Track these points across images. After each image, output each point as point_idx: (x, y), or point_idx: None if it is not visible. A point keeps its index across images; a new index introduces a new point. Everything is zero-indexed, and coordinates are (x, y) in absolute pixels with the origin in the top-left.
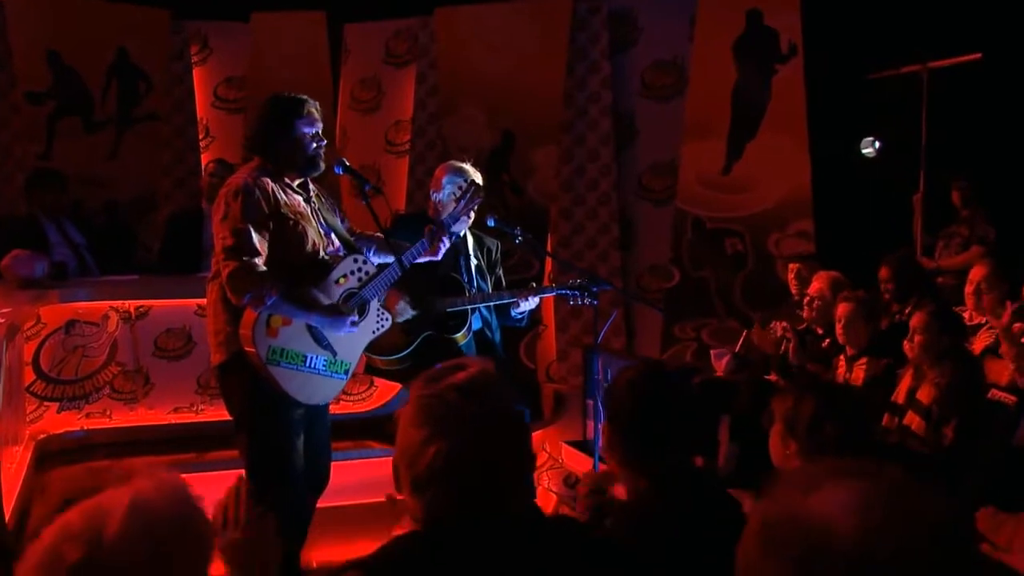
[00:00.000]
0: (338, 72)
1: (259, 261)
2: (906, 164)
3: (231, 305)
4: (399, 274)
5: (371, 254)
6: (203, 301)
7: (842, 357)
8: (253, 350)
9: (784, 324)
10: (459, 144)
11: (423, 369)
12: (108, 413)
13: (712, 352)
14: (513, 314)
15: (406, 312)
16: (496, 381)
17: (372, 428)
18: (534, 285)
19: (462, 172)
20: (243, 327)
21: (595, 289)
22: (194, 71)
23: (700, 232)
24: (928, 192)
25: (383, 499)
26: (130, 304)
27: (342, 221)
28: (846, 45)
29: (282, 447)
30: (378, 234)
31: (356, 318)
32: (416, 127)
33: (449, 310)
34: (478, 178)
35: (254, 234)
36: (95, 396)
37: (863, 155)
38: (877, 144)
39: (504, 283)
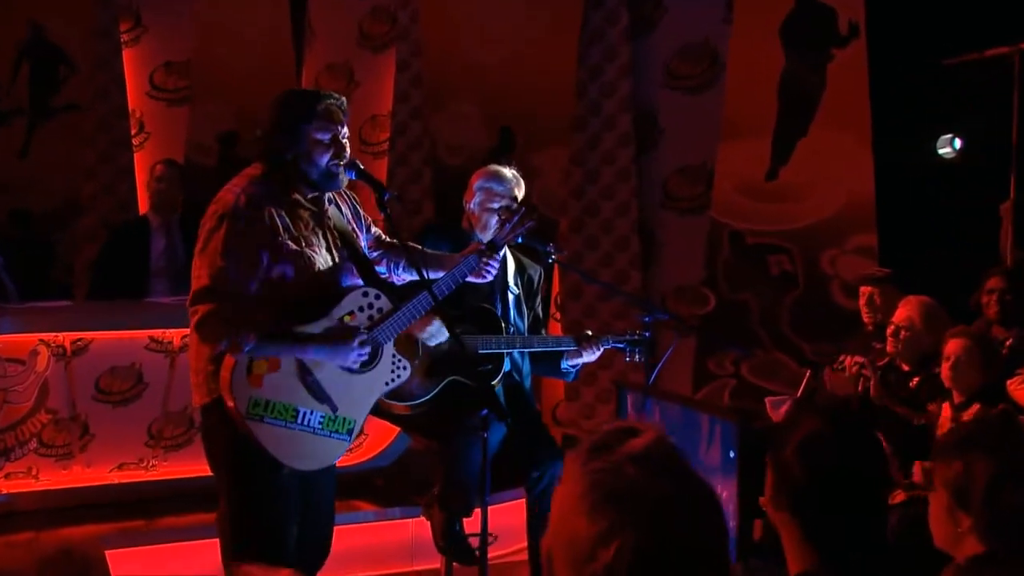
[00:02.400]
0: (301, 57)
1: (239, 302)
2: (992, 166)
3: None
4: (426, 309)
5: (399, 270)
6: (156, 332)
7: (946, 404)
8: (231, 403)
9: (859, 359)
10: (449, 144)
11: (437, 416)
12: (34, 473)
13: (768, 401)
14: (563, 366)
15: (438, 336)
16: (677, 448)
17: (361, 486)
18: (590, 333)
19: (498, 178)
20: (221, 372)
21: (649, 324)
22: (124, 53)
23: (739, 248)
24: (1019, 199)
25: None
26: (65, 337)
27: (367, 231)
28: (919, 24)
29: (268, 519)
30: (412, 244)
31: (365, 337)
32: (396, 123)
33: (482, 351)
34: (520, 188)
35: (235, 271)
36: (18, 452)
37: (940, 156)
38: (957, 143)
39: (543, 322)
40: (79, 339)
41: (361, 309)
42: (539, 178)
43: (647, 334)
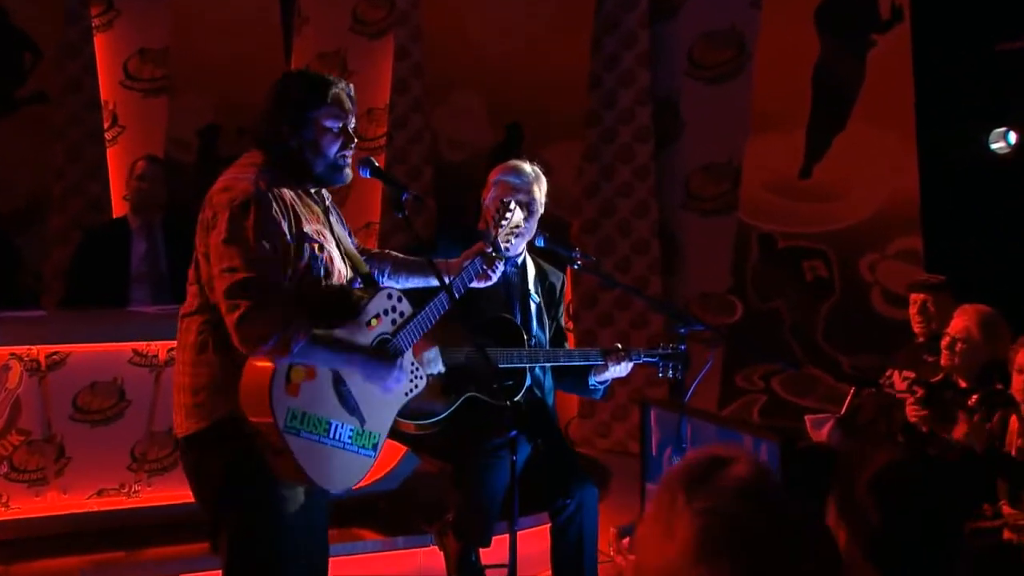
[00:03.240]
0: (291, 44)
1: (284, 295)
2: None
3: (221, 351)
4: (443, 312)
5: (384, 278)
6: (140, 345)
7: (1014, 418)
8: (270, 418)
9: (909, 374)
10: (451, 139)
11: (453, 436)
12: (5, 500)
13: (808, 419)
14: (590, 382)
15: (434, 365)
16: (774, 474)
17: (362, 512)
18: (619, 346)
19: (515, 172)
20: (250, 383)
21: (684, 336)
22: (95, 39)
23: (770, 252)
24: None
25: None
26: (39, 350)
27: (349, 236)
28: (968, 6)
29: (275, 553)
30: (390, 251)
31: (410, 362)
32: (394, 117)
33: (502, 366)
34: (540, 185)
35: (274, 259)
36: None
37: (992, 151)
38: (1011, 136)
39: (565, 335)
40: (55, 353)
41: (386, 312)
42: (549, 176)
43: (683, 347)
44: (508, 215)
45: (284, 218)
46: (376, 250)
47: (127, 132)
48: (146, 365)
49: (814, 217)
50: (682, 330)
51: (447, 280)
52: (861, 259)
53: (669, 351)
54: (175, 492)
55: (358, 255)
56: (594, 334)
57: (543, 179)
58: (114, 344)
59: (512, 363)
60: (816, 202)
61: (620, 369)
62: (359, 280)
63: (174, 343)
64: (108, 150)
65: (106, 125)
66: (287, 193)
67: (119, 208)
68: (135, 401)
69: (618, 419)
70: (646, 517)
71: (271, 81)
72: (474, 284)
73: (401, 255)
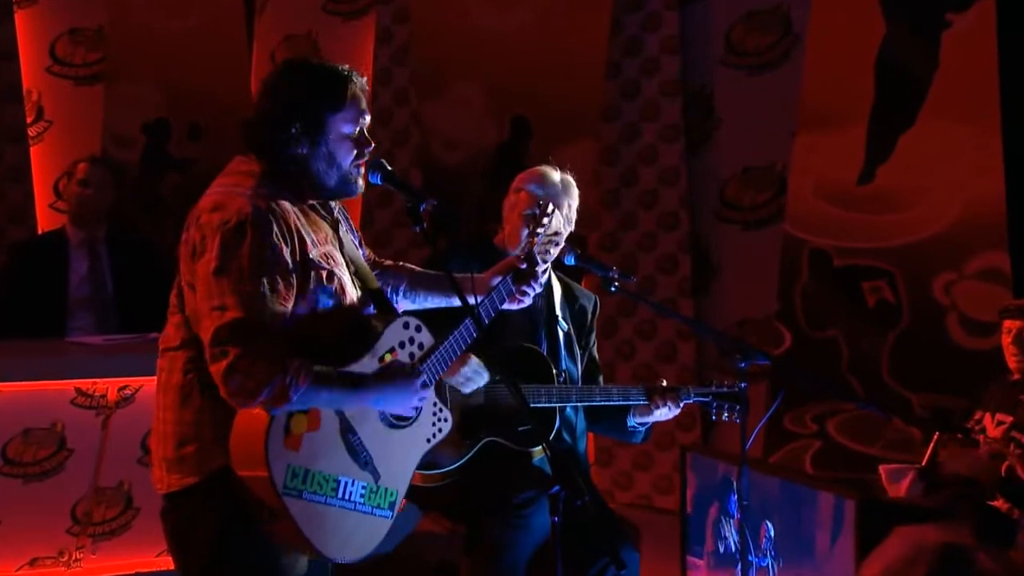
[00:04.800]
0: (253, 24)
1: (277, 338)
2: None
3: (212, 394)
4: (470, 341)
5: (399, 297)
6: (84, 383)
7: None
8: (265, 473)
9: (1004, 417)
10: (445, 137)
11: (468, 490)
12: None
13: (884, 471)
14: (630, 424)
15: (476, 380)
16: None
17: None
18: (664, 382)
19: (540, 180)
20: (242, 434)
21: (745, 372)
22: (16, 16)
23: (823, 271)
24: None
25: None
26: None
27: (360, 246)
28: None
29: None
30: (405, 264)
31: (426, 378)
32: (376, 111)
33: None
34: (570, 196)
35: (273, 295)
36: None
37: None
38: None
39: (599, 368)
40: None
41: (402, 344)
42: None
43: (743, 385)
44: (545, 220)
45: (287, 243)
46: (389, 263)
47: (55, 128)
48: (91, 407)
49: (877, 230)
50: (741, 364)
51: (474, 301)
52: (934, 280)
53: (724, 389)
54: (126, 560)
55: (370, 272)
56: (613, 368)
57: (574, 189)
58: (52, 382)
59: (539, 403)
60: (879, 212)
61: (667, 411)
62: (372, 304)
63: (125, 380)
64: (31, 149)
65: (29, 120)
66: (290, 211)
67: (44, 219)
68: (78, 451)
69: (641, 468)
70: None
71: (232, 68)
72: (506, 306)
73: (419, 268)
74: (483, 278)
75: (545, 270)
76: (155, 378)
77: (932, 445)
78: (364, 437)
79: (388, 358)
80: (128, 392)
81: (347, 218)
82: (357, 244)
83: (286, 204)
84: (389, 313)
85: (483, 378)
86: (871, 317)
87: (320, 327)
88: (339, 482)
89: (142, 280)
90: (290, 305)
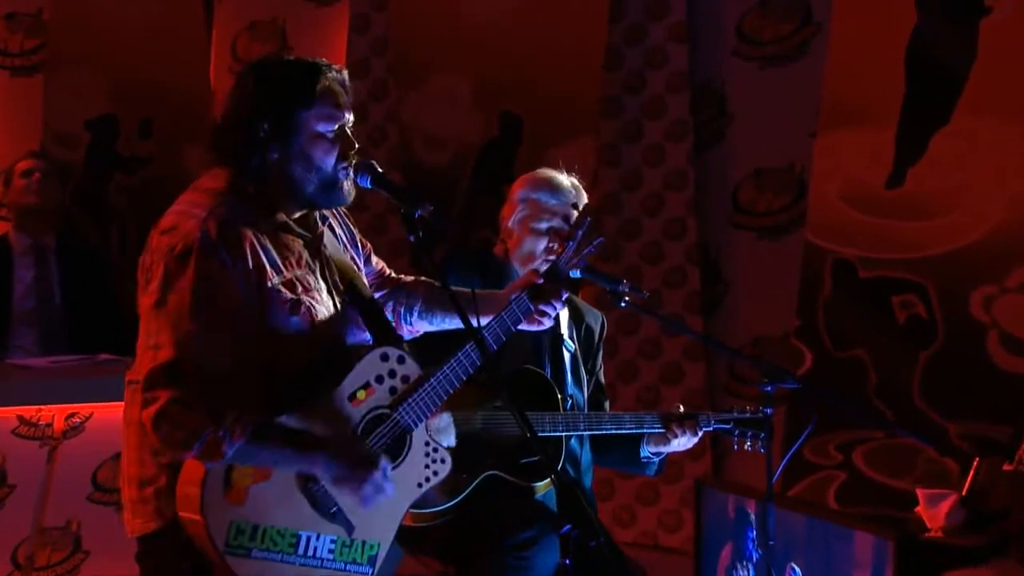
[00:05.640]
0: (211, 11)
1: (219, 383)
2: None
3: None
4: (471, 371)
5: (413, 317)
6: (27, 410)
7: None
8: (202, 530)
9: None
10: (428, 134)
11: (464, 530)
12: None
13: (922, 493)
14: (644, 453)
15: (443, 438)
16: None
17: None
18: (680, 408)
19: (550, 187)
20: (185, 482)
21: (771, 397)
22: None
23: (848, 284)
24: None
25: None
26: None
27: (367, 262)
28: None
29: None
30: (423, 279)
31: (388, 467)
32: (352, 104)
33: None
34: (584, 202)
35: (213, 335)
36: None
37: None
38: None
39: (605, 393)
40: None
41: (380, 379)
42: None
43: (768, 411)
44: (580, 232)
45: (238, 272)
46: (409, 279)
47: None
48: (35, 438)
49: (908, 238)
50: (768, 388)
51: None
52: (972, 294)
53: (748, 415)
54: None
55: (367, 291)
56: (614, 390)
57: (584, 196)
58: None
59: (543, 431)
60: (910, 218)
61: (685, 440)
62: (366, 330)
63: (73, 407)
64: None
65: None
66: (249, 235)
67: None
68: (20, 486)
69: (645, 502)
70: None
71: (189, 58)
72: (524, 327)
73: (446, 289)
74: (502, 295)
75: (564, 276)
76: (107, 404)
77: (972, 472)
78: (330, 485)
79: (361, 396)
80: (77, 420)
81: (348, 228)
82: (359, 259)
83: (245, 228)
84: (385, 340)
85: (449, 440)
86: (901, 335)
87: (281, 361)
88: (299, 537)
89: (93, 295)
90: (239, 343)
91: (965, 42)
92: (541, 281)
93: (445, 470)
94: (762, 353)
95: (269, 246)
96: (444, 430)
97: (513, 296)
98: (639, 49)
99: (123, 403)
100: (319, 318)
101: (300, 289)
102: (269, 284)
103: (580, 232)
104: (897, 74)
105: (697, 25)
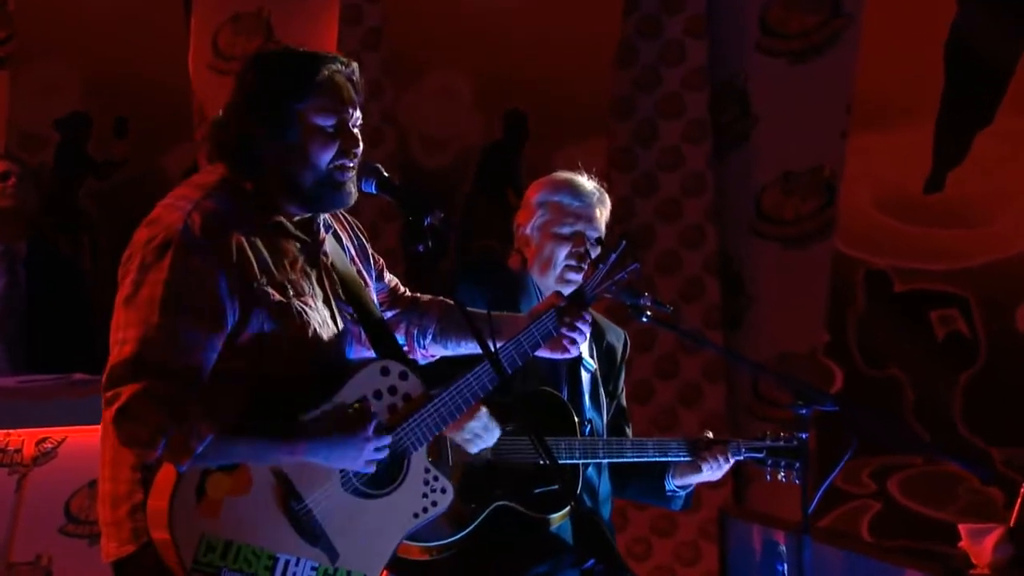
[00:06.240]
0: (190, 2)
1: (185, 380)
2: None
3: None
4: (482, 394)
5: (427, 340)
6: None
7: None
8: (170, 546)
9: None
10: (425, 135)
11: (473, 564)
12: None
13: (965, 530)
14: (669, 485)
15: (484, 438)
16: None
17: None
18: (709, 434)
19: (571, 189)
20: (155, 493)
21: (807, 420)
22: None
23: (883, 297)
24: None
25: None
26: None
27: (378, 278)
28: None
29: None
30: (439, 299)
31: (380, 421)
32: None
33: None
34: (604, 208)
35: (181, 333)
36: None
37: None
38: None
39: (627, 417)
40: None
41: (378, 395)
42: None
43: (804, 436)
44: (613, 255)
45: (220, 269)
46: (426, 297)
47: None
48: (3, 464)
49: (947, 248)
50: (803, 410)
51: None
52: (1018, 308)
53: (782, 443)
54: None
55: (372, 305)
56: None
57: (607, 201)
58: None
59: (560, 459)
60: (950, 226)
61: (715, 469)
62: (371, 345)
63: (44, 431)
64: None
65: None
66: (239, 232)
67: None
68: None
69: (660, 533)
70: None
71: (166, 52)
72: (546, 353)
73: (455, 303)
74: (520, 319)
75: (591, 300)
76: (82, 428)
77: (1020, 501)
78: (314, 504)
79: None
80: (48, 446)
81: (359, 239)
82: (369, 274)
83: (234, 223)
84: (389, 356)
85: (493, 436)
86: (940, 353)
87: (266, 367)
88: (276, 560)
89: (65, 308)
90: (213, 348)
91: (1009, 34)
92: (564, 304)
93: (446, 501)
94: (788, 371)
95: (260, 246)
96: (483, 432)
97: (534, 321)
98: (654, 43)
99: (99, 426)
100: (312, 325)
101: (292, 293)
102: (255, 284)
103: (614, 255)
104: (935, 69)
105: (717, 17)
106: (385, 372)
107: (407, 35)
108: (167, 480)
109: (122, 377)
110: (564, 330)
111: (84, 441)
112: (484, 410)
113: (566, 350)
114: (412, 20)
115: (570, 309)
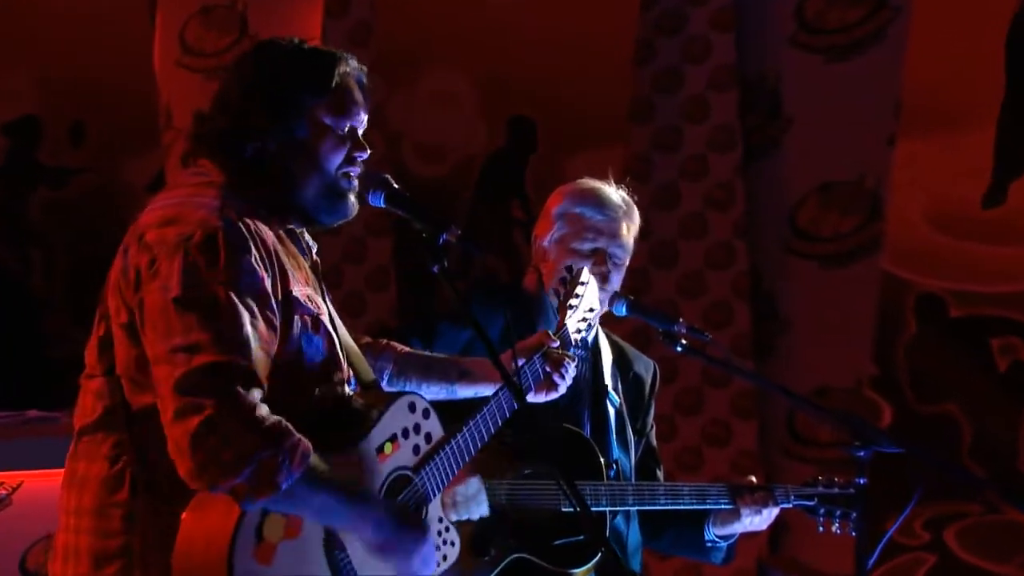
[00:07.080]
0: None
1: (261, 396)
2: None
3: (150, 492)
4: (490, 435)
5: (383, 383)
6: None
7: None
8: None
9: None
10: (421, 143)
11: None
12: None
13: None
14: (708, 536)
15: (475, 507)
16: None
17: None
18: (753, 480)
19: (595, 200)
20: (192, 538)
21: (865, 464)
22: None
23: (937, 324)
24: None
25: None
26: None
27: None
28: None
29: None
30: (389, 342)
31: (430, 518)
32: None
33: (567, 511)
34: (631, 222)
35: (258, 336)
36: None
37: None
38: None
39: (658, 458)
40: None
41: (406, 433)
42: None
43: (862, 481)
44: (579, 289)
45: (267, 270)
46: (369, 339)
47: None
48: None
49: (1009, 268)
50: (861, 453)
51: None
52: None
53: (836, 490)
54: None
55: (352, 343)
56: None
57: (636, 214)
58: None
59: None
60: (1012, 243)
61: (760, 518)
62: (354, 380)
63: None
64: None
65: None
66: (266, 231)
67: None
68: None
69: None
70: None
71: (128, 51)
72: (534, 398)
73: (407, 348)
74: (486, 363)
75: (569, 343)
76: (39, 472)
77: None
78: (354, 556)
79: (388, 450)
80: (2, 493)
81: (317, 267)
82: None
83: (260, 222)
84: (384, 393)
85: (479, 510)
86: (1002, 385)
87: (302, 394)
88: None
89: (15, 336)
90: (273, 352)
91: None
92: (555, 344)
93: (454, 554)
94: (830, 405)
95: (282, 249)
96: (473, 499)
97: (524, 361)
98: (676, 39)
99: (59, 470)
100: (336, 346)
101: (316, 308)
102: (293, 291)
103: (580, 287)
104: (995, 68)
105: (746, 9)
106: (412, 408)
107: (400, 30)
108: (216, 520)
109: (200, 388)
110: (551, 373)
111: (42, 486)
112: (477, 478)
113: (554, 388)
114: (406, 14)
115: (555, 350)
